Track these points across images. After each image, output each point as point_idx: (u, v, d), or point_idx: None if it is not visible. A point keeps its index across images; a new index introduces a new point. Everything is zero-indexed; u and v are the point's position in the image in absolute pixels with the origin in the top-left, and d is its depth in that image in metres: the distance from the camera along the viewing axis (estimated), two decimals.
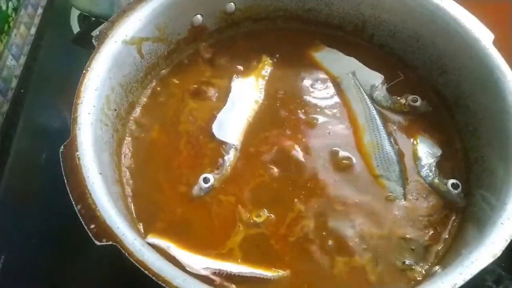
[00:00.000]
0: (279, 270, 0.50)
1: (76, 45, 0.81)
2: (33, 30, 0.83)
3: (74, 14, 0.83)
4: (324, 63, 0.66)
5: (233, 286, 0.48)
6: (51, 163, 0.65)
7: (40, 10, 0.86)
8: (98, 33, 0.55)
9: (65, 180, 0.45)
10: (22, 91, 0.75)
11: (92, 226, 0.42)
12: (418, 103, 0.61)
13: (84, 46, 0.78)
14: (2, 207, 0.63)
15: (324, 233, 0.52)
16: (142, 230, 0.52)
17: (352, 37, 0.68)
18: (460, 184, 0.54)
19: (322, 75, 0.65)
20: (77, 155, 0.46)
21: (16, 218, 0.63)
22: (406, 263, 0.50)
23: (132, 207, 0.53)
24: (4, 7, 0.76)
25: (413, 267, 0.50)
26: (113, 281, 0.59)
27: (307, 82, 0.64)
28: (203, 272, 0.48)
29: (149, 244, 0.47)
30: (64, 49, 0.81)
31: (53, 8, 0.86)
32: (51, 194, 0.63)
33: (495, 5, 0.79)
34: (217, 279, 0.48)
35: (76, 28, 0.82)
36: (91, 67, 0.52)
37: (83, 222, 0.43)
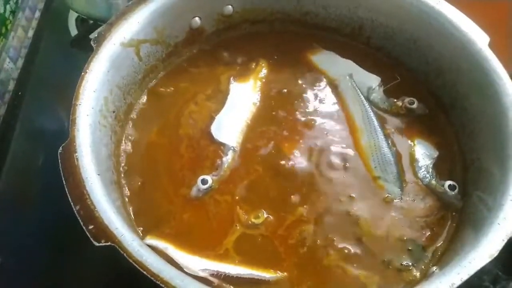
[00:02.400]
0: (277, 272, 0.50)
1: (74, 48, 0.81)
2: (30, 33, 0.83)
3: (72, 17, 0.83)
4: (321, 65, 0.66)
5: (231, 287, 0.48)
6: (49, 165, 0.66)
7: (37, 13, 0.86)
8: (96, 35, 0.55)
9: (64, 181, 0.45)
10: (19, 93, 0.75)
11: (91, 227, 0.42)
12: (414, 106, 0.61)
13: (82, 49, 0.78)
14: (0, 209, 0.63)
15: (321, 234, 0.52)
16: (139, 231, 0.51)
17: (349, 40, 0.69)
18: (456, 186, 0.55)
19: (320, 78, 0.65)
20: (76, 156, 0.46)
21: (13, 220, 0.62)
22: (404, 263, 0.50)
23: (130, 209, 0.53)
24: (2, 10, 0.76)
25: (411, 268, 0.50)
26: (111, 282, 0.58)
27: (304, 85, 0.64)
28: (201, 274, 0.48)
29: (147, 245, 0.47)
30: (61, 52, 0.82)
31: (51, 11, 0.86)
32: (49, 196, 0.63)
33: (492, 5, 0.80)
34: (215, 280, 0.48)
35: (74, 31, 0.82)
36: (89, 69, 0.52)
37: (81, 223, 0.43)
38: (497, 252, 0.43)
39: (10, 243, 0.60)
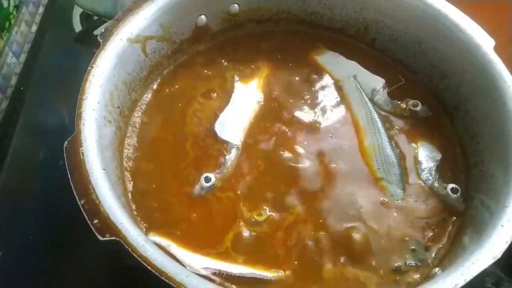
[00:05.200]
0: (279, 271, 0.50)
1: (78, 43, 0.81)
2: (34, 28, 0.83)
3: (77, 12, 0.83)
4: (326, 66, 0.66)
5: (233, 286, 0.48)
6: (50, 161, 0.66)
7: (41, 9, 0.86)
8: (103, 30, 0.55)
9: (69, 175, 0.45)
10: (21, 88, 0.75)
11: (96, 221, 0.42)
12: (418, 108, 0.61)
13: (86, 44, 0.78)
14: (0, 204, 0.63)
15: (324, 234, 0.52)
16: (143, 228, 0.51)
17: (354, 41, 0.69)
18: (459, 189, 0.55)
19: (324, 78, 0.65)
20: (81, 150, 0.46)
21: (14, 215, 0.62)
22: (407, 263, 0.50)
23: (133, 205, 0.53)
24: (5, 5, 0.76)
25: (414, 268, 0.50)
26: (110, 278, 0.59)
27: (308, 85, 0.65)
28: (203, 272, 0.48)
29: None
30: (65, 47, 0.81)
31: (55, 6, 0.86)
32: (49, 191, 0.64)
33: (496, 8, 0.80)
34: (217, 279, 0.48)
35: (78, 27, 0.82)
36: (96, 63, 0.52)
37: (86, 217, 0.42)
38: (501, 254, 0.43)
39: (10, 237, 0.60)
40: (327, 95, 0.64)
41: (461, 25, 0.58)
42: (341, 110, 0.62)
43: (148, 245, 0.42)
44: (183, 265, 0.47)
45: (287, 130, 0.60)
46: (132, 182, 0.55)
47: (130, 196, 0.54)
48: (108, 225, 0.42)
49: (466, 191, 0.56)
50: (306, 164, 0.57)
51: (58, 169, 0.47)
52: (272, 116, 0.61)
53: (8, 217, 0.62)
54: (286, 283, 0.49)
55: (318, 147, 0.58)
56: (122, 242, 0.42)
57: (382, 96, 0.63)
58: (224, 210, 0.53)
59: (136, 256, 0.41)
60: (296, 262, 0.50)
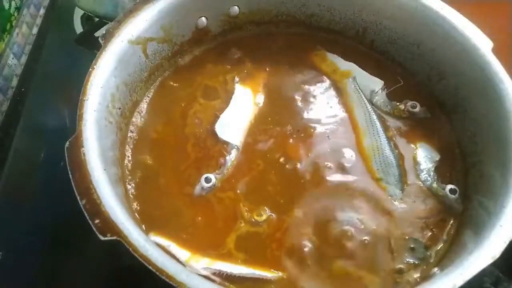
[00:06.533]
0: (279, 271, 0.50)
1: (79, 45, 0.81)
2: (35, 30, 0.83)
3: (78, 14, 0.83)
4: (325, 68, 0.67)
5: (233, 286, 0.49)
6: (50, 162, 0.66)
7: (42, 10, 0.86)
8: (104, 32, 0.55)
9: (70, 175, 0.45)
10: (22, 90, 0.76)
11: (97, 221, 0.42)
12: (417, 109, 0.62)
13: (87, 46, 0.78)
14: (1, 205, 0.63)
15: (323, 235, 0.52)
16: (143, 228, 0.52)
17: (353, 43, 0.69)
18: (457, 190, 0.55)
19: (323, 80, 0.66)
20: (83, 151, 0.46)
21: (14, 216, 0.62)
22: (406, 262, 0.51)
23: (134, 205, 0.54)
24: (6, 6, 0.76)
25: (413, 267, 0.50)
26: (111, 278, 0.59)
27: (308, 86, 0.65)
28: (203, 272, 0.48)
29: None
30: (66, 49, 0.82)
31: (56, 8, 0.86)
32: (50, 191, 0.64)
33: (495, 10, 0.80)
34: (217, 279, 0.49)
35: (79, 29, 0.82)
36: (97, 65, 0.52)
37: (87, 217, 0.43)
38: (499, 254, 0.43)
39: (11, 238, 0.61)
40: (326, 96, 0.64)
41: (459, 27, 0.58)
42: (340, 112, 0.63)
43: (148, 245, 0.42)
44: (183, 265, 0.48)
45: (286, 131, 0.60)
46: (132, 183, 0.55)
47: (131, 196, 0.54)
48: (109, 225, 0.42)
49: (465, 191, 0.56)
50: (304, 165, 0.57)
51: (59, 169, 0.47)
52: (271, 117, 0.62)
53: (8, 217, 0.62)
54: (285, 284, 0.49)
55: (317, 148, 0.59)
56: (123, 242, 0.42)
57: (381, 97, 0.63)
58: (224, 211, 0.54)
59: (137, 255, 0.41)
60: (295, 263, 0.50)
